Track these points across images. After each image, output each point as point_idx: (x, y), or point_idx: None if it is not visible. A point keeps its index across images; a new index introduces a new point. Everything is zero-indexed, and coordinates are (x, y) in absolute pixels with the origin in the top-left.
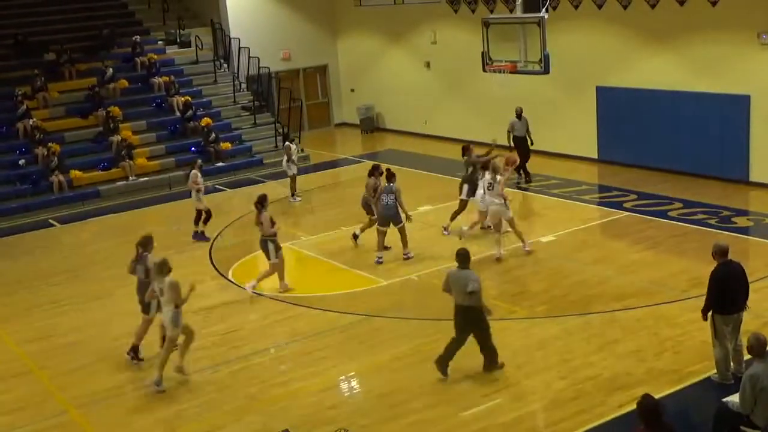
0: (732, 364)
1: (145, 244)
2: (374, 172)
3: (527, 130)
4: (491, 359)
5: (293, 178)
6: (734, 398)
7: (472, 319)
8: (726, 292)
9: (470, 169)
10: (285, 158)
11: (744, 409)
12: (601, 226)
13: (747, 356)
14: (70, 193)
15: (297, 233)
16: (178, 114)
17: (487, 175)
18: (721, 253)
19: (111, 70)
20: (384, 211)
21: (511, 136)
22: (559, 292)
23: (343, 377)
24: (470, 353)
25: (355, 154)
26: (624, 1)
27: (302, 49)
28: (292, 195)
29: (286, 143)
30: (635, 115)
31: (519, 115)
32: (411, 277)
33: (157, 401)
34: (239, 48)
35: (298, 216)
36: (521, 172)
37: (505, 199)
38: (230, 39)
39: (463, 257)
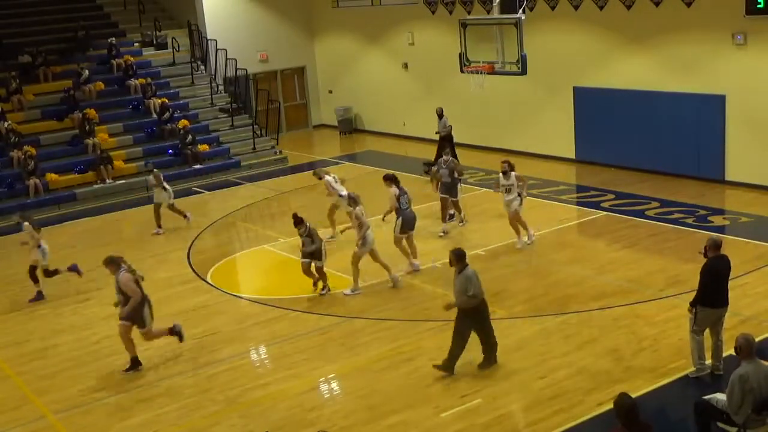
0: (711, 360)
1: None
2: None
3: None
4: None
5: (157, 207)
6: (717, 395)
7: None
8: (716, 285)
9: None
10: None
11: (731, 408)
12: (579, 225)
13: (726, 353)
14: (46, 196)
15: (275, 235)
16: (154, 116)
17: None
18: (714, 246)
19: (87, 72)
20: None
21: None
22: (538, 292)
23: (323, 379)
24: (446, 354)
25: (333, 156)
26: (600, 2)
27: (280, 51)
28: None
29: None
30: (612, 116)
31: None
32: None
33: (135, 406)
34: (216, 50)
35: (275, 218)
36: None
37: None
38: (207, 41)
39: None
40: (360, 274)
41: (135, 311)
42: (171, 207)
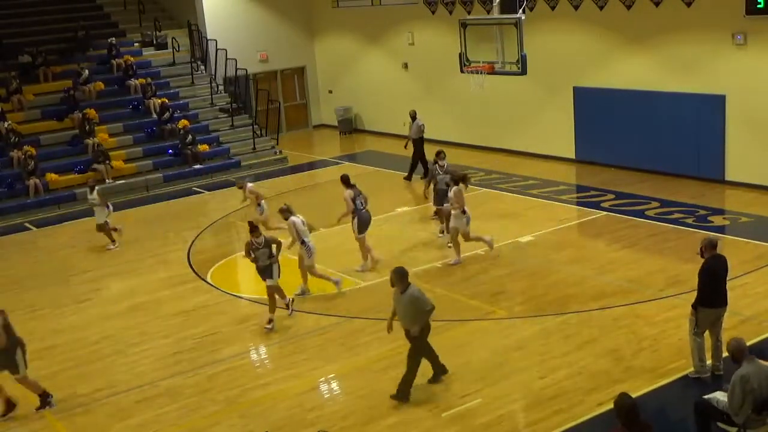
0: (710, 360)
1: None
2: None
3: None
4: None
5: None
6: (717, 395)
7: None
8: (714, 285)
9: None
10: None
11: (732, 409)
12: (579, 225)
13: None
14: (46, 196)
15: (274, 235)
16: (154, 116)
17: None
18: (710, 246)
19: (87, 72)
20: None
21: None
22: (538, 292)
23: (323, 379)
24: (448, 354)
25: (333, 156)
26: (600, 2)
27: (280, 51)
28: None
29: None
30: (612, 116)
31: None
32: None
33: (135, 406)
34: (216, 50)
35: (275, 218)
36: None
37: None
38: (207, 41)
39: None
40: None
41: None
42: (104, 226)
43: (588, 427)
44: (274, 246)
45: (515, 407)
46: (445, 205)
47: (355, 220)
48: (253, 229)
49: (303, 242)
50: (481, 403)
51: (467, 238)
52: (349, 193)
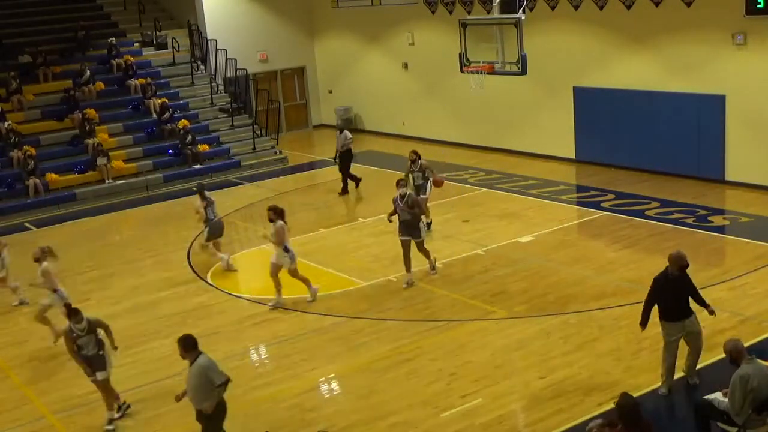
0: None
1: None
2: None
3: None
4: None
5: None
6: (718, 396)
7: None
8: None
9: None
10: None
11: (733, 409)
12: (579, 225)
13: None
14: (46, 196)
15: None
16: (155, 116)
17: None
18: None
19: (87, 72)
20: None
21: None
22: (538, 292)
23: (323, 379)
24: (448, 354)
25: (333, 156)
26: (600, 2)
27: (280, 51)
28: None
29: None
30: (612, 116)
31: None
32: (390, 278)
33: (135, 406)
34: (216, 50)
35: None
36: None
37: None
38: (207, 41)
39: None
40: None
41: None
42: None
43: None
44: (100, 331)
45: (515, 407)
46: (414, 241)
47: (207, 228)
48: (71, 312)
49: (56, 290)
50: (481, 403)
51: (294, 275)
52: (200, 203)
